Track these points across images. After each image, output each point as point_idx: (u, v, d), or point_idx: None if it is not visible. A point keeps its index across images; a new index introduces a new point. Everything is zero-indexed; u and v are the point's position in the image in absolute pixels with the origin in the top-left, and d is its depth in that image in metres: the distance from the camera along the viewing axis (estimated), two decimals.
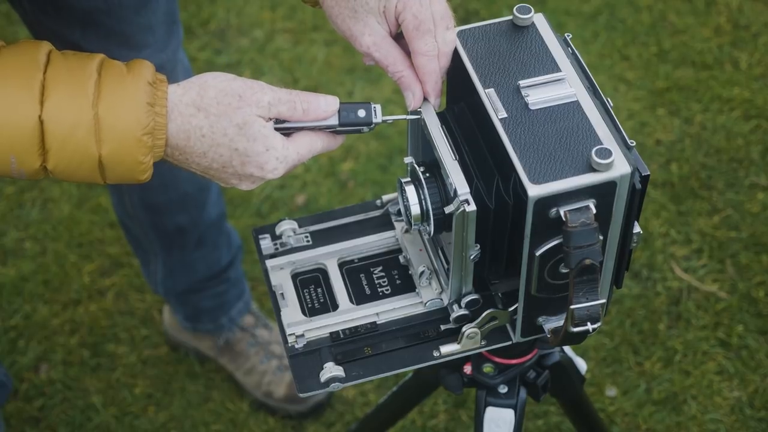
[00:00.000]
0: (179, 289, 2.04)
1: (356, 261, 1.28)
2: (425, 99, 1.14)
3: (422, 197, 1.13)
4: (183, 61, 1.71)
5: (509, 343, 1.21)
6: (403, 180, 1.16)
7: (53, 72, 1.01)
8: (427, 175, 1.13)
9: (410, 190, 1.14)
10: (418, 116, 1.14)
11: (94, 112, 1.00)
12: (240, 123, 1.05)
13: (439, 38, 1.13)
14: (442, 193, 1.12)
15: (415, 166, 1.15)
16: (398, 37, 1.15)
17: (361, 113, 1.11)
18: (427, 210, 1.13)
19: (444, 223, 1.12)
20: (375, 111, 1.11)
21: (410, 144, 1.21)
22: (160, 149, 1.04)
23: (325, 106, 1.09)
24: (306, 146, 1.10)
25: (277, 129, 1.08)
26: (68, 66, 1.02)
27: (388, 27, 1.13)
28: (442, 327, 1.21)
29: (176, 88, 1.05)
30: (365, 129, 1.11)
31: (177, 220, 1.90)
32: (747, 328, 2.15)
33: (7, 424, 2.08)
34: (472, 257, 1.12)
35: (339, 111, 1.11)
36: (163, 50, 1.60)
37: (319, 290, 1.25)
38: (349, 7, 1.13)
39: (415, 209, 1.14)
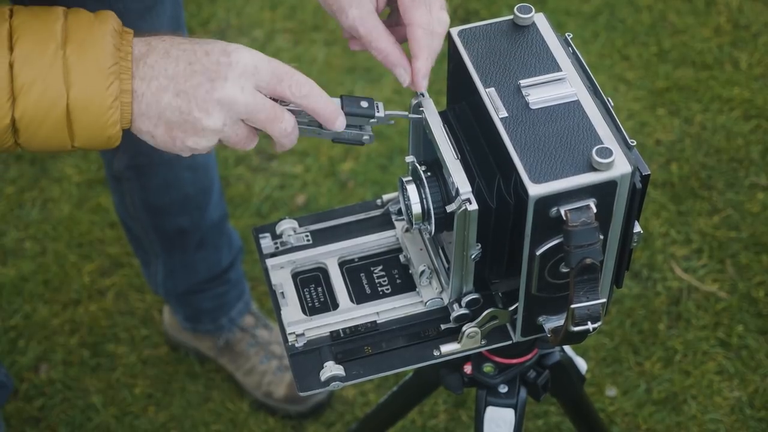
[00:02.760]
0: (179, 290, 2.04)
1: (356, 260, 1.28)
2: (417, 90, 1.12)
3: (423, 196, 1.13)
4: None
5: (509, 342, 1.21)
6: (404, 179, 1.16)
7: (19, 19, 0.99)
8: (429, 174, 1.13)
9: (411, 189, 1.14)
10: (420, 116, 1.14)
11: (62, 53, 0.98)
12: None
13: (434, 15, 1.10)
14: (444, 192, 1.12)
15: (417, 165, 1.15)
16: (388, 24, 1.14)
17: (364, 104, 1.08)
18: (428, 209, 1.13)
19: (445, 222, 1.12)
20: (378, 106, 1.08)
21: (411, 143, 1.21)
22: (127, 63, 1.00)
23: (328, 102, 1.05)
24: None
25: None
26: (33, 11, 1.00)
27: (375, 3, 1.11)
28: (443, 326, 1.21)
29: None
30: (366, 133, 1.08)
31: (178, 222, 1.90)
32: (747, 328, 2.15)
33: (7, 424, 2.08)
34: (473, 256, 1.12)
35: (341, 98, 1.07)
36: None
37: (320, 289, 1.25)
38: None
39: (417, 208, 1.14)
